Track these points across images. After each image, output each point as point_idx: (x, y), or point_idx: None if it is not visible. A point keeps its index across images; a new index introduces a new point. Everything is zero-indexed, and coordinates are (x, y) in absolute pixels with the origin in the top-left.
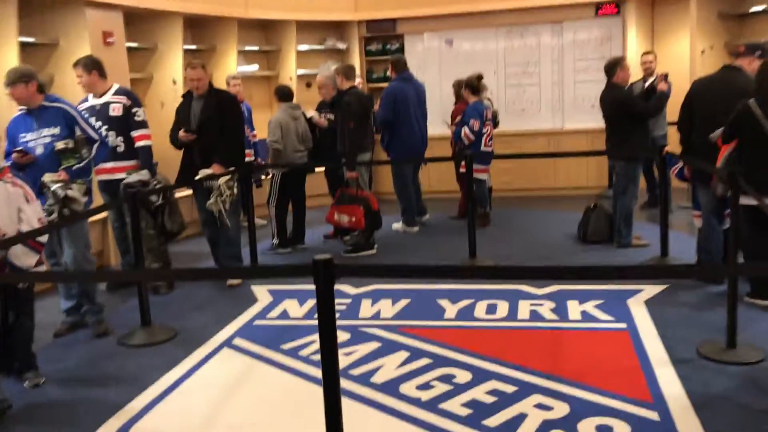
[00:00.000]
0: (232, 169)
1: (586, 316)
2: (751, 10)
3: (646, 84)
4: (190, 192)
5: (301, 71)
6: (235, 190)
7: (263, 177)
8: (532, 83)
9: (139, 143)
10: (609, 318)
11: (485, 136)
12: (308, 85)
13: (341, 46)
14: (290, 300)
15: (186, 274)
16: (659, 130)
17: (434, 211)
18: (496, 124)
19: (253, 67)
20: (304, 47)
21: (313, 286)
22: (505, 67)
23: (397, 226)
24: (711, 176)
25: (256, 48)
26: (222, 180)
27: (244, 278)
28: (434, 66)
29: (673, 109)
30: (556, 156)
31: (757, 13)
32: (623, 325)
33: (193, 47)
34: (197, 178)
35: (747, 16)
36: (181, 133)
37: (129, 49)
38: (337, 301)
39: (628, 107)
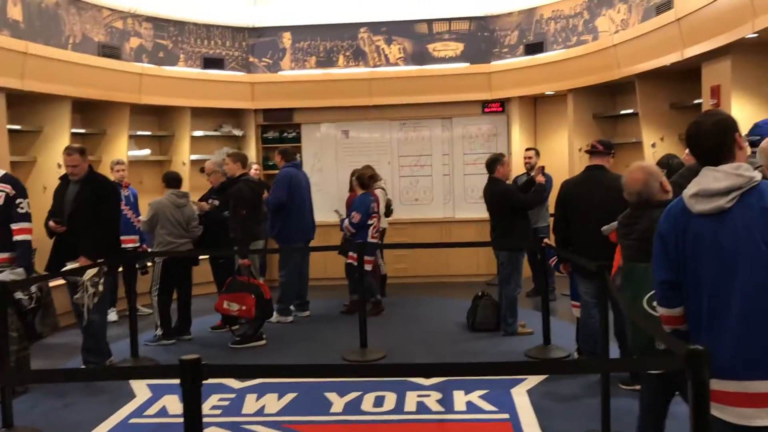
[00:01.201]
0: (100, 261)
1: (471, 407)
2: (621, 113)
3: (529, 176)
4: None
5: (195, 156)
6: (101, 287)
7: (148, 264)
8: (425, 174)
9: (18, 237)
10: (493, 408)
11: (372, 227)
12: (202, 170)
13: (237, 132)
14: (171, 395)
15: (41, 375)
16: (542, 221)
17: (328, 297)
18: (389, 213)
19: (145, 152)
20: (199, 133)
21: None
22: (398, 157)
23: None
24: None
25: (148, 133)
26: (87, 276)
27: (102, 380)
28: (330, 154)
29: (554, 201)
30: (444, 246)
31: (626, 115)
32: (506, 416)
33: (82, 131)
34: (62, 270)
35: (618, 118)
36: (51, 223)
37: (11, 131)
38: (219, 396)
39: (508, 200)
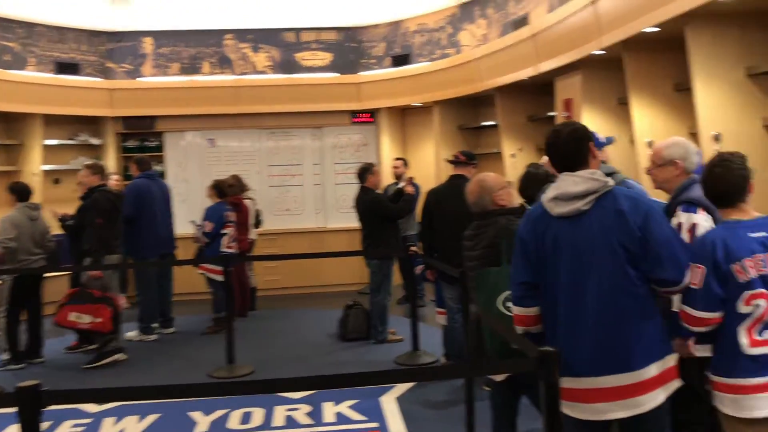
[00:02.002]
0: None
1: (341, 418)
2: (483, 124)
3: (398, 187)
4: None
5: (49, 167)
6: None
7: None
8: (296, 184)
9: None
10: (362, 418)
11: (227, 237)
12: (56, 181)
13: (95, 141)
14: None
15: None
16: (411, 229)
17: (195, 312)
18: (258, 224)
19: None
20: (53, 142)
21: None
22: (268, 167)
23: (132, 334)
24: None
25: None
26: None
27: None
28: (196, 164)
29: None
30: (316, 256)
31: (488, 127)
32: (376, 425)
33: None
34: None
35: (481, 129)
36: None
37: None
38: (74, 422)
39: (379, 209)
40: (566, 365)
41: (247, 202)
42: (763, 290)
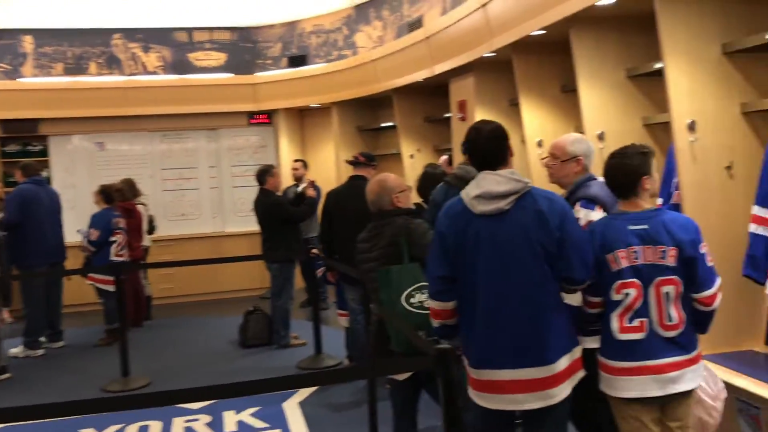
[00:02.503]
0: None
1: (243, 426)
2: (382, 125)
3: (299, 189)
4: None
5: None
6: None
7: None
8: (192, 187)
9: None
10: (265, 425)
11: (116, 245)
12: None
13: None
14: None
15: None
16: (313, 232)
17: (86, 324)
18: (152, 230)
19: None
20: None
21: None
22: (161, 170)
23: (17, 350)
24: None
25: None
26: None
27: None
28: (84, 168)
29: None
30: (214, 262)
31: (387, 128)
32: (278, 431)
33: None
34: None
35: (380, 130)
36: None
37: None
38: None
39: (279, 212)
40: (484, 357)
41: (139, 207)
42: (634, 280)
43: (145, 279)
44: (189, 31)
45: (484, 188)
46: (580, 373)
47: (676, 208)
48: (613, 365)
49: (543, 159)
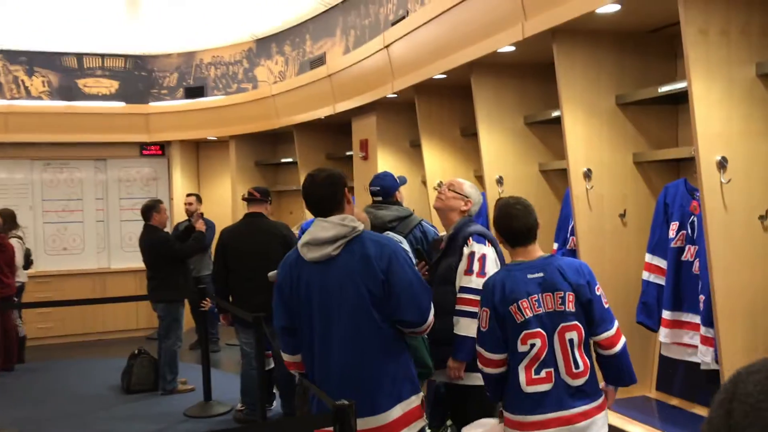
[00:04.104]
0: None
1: None
2: (282, 161)
3: (187, 224)
4: None
5: None
6: None
7: None
8: (75, 220)
9: None
10: None
11: None
12: None
13: None
14: None
15: None
16: (205, 270)
17: None
18: (29, 264)
19: None
20: None
21: None
22: (43, 201)
23: None
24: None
25: None
26: None
27: None
28: None
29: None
30: (97, 302)
31: (286, 163)
32: None
33: None
34: None
35: (279, 166)
36: None
37: None
38: None
39: (165, 249)
40: (323, 406)
41: (12, 241)
42: (539, 329)
43: (19, 318)
44: (79, 56)
45: (313, 235)
46: (420, 422)
47: (573, 253)
48: (522, 420)
49: (436, 188)
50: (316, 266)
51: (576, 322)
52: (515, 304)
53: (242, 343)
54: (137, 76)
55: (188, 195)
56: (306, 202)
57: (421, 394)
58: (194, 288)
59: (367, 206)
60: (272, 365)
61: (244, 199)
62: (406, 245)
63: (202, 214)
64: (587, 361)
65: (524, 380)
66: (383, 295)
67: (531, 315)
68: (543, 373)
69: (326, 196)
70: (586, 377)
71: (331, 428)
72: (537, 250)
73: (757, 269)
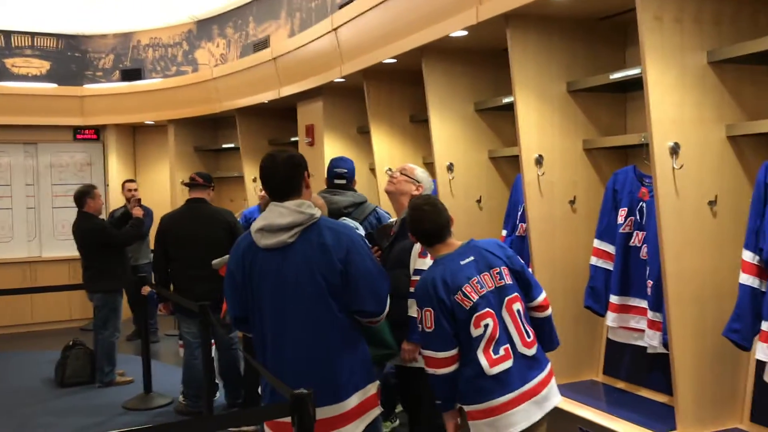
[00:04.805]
0: None
1: None
2: (223, 146)
3: (123, 210)
4: None
5: None
6: None
7: None
8: (4, 207)
9: None
10: None
11: None
12: None
13: None
14: None
15: None
16: (143, 258)
17: None
18: None
19: None
20: None
21: None
22: None
23: None
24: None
25: None
26: None
27: None
28: None
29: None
30: (28, 291)
31: (228, 149)
32: None
33: None
34: None
35: (220, 151)
36: None
37: None
38: None
39: (100, 237)
40: (278, 395)
41: None
42: (488, 309)
43: None
44: (7, 34)
45: (268, 221)
46: (376, 411)
47: (522, 240)
48: (492, 405)
49: (389, 170)
50: (270, 253)
51: (517, 293)
52: (460, 291)
53: (184, 333)
54: (70, 57)
55: (130, 181)
56: (263, 183)
57: (378, 382)
58: (132, 277)
59: (321, 191)
60: (213, 354)
61: (185, 184)
62: (362, 231)
63: (139, 200)
64: (532, 330)
65: (487, 364)
66: (340, 284)
67: (477, 297)
68: (502, 351)
69: (286, 178)
70: (537, 344)
71: (285, 419)
72: (455, 241)
73: (706, 255)
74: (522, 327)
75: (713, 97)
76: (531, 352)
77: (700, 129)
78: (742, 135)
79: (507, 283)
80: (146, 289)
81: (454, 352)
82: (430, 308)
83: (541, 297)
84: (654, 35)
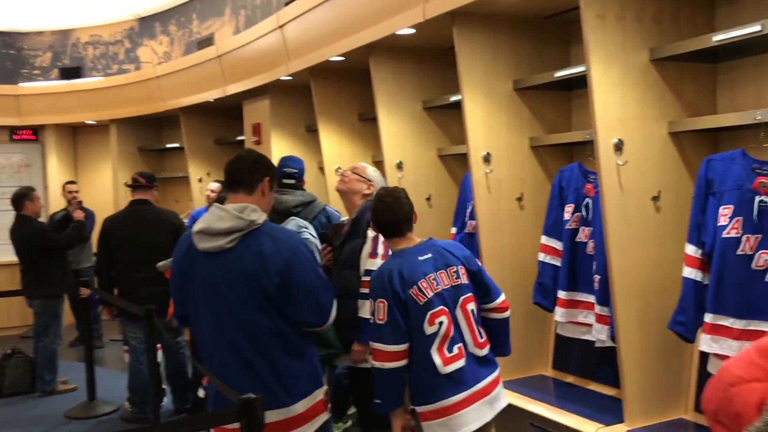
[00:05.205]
0: None
1: None
2: (167, 146)
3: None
4: None
5: None
6: None
7: None
8: None
9: None
10: None
11: None
12: None
13: None
14: None
15: None
16: (85, 262)
17: None
18: None
19: None
20: None
21: None
22: None
23: None
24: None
25: None
26: None
27: None
28: None
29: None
30: None
31: (173, 149)
32: None
33: None
34: None
35: (165, 151)
36: None
37: None
38: None
39: (39, 241)
40: (219, 401)
41: None
42: (443, 307)
43: None
44: None
45: (208, 223)
46: (324, 416)
47: (471, 237)
48: (444, 404)
49: (339, 169)
50: (208, 257)
51: (471, 294)
52: (415, 286)
53: (129, 338)
54: (5, 55)
55: (71, 183)
56: (226, 179)
57: (325, 387)
58: (74, 281)
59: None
60: (160, 359)
61: (128, 185)
62: (312, 230)
63: (80, 202)
64: (484, 331)
65: (440, 362)
66: (278, 294)
67: (432, 294)
68: (456, 350)
69: (245, 169)
70: (488, 346)
71: (233, 425)
72: (415, 237)
73: (651, 249)
74: (475, 327)
75: (655, 94)
76: (482, 352)
77: (643, 126)
78: (683, 131)
79: (463, 282)
80: (85, 292)
81: (404, 347)
82: (384, 299)
83: (500, 299)
84: (597, 33)
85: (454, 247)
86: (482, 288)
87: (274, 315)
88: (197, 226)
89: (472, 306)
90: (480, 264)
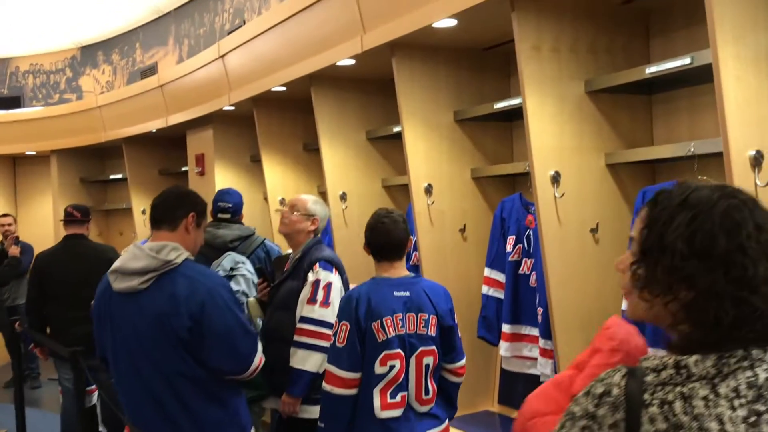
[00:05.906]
0: None
1: None
2: (111, 177)
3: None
4: None
5: None
6: None
7: None
8: None
9: None
10: None
11: None
12: None
13: None
14: None
15: None
16: (22, 298)
17: None
18: None
19: None
20: None
21: None
22: None
23: None
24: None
25: None
26: None
27: None
28: None
29: None
30: None
31: (116, 180)
32: None
33: None
34: None
35: (108, 182)
36: None
37: None
38: None
39: None
40: None
41: None
42: (399, 351)
43: None
44: None
45: (122, 262)
46: None
47: (416, 269)
48: None
49: (278, 209)
50: (123, 297)
51: (434, 347)
52: (379, 320)
53: (62, 379)
54: None
55: (5, 215)
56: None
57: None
58: (8, 319)
59: (206, 225)
60: (95, 401)
61: (63, 220)
62: (249, 266)
63: (17, 237)
64: (435, 387)
65: (379, 405)
66: (191, 338)
67: (393, 334)
68: (398, 397)
69: (169, 206)
70: (433, 404)
71: None
72: (403, 269)
73: (590, 282)
74: (423, 382)
75: (592, 125)
76: (423, 409)
77: (580, 157)
78: (620, 163)
79: (428, 333)
80: (19, 327)
81: (357, 376)
82: (347, 323)
83: (460, 363)
84: (532, 65)
85: (438, 296)
86: (448, 346)
87: (189, 360)
88: (114, 266)
89: (428, 361)
90: (455, 321)
